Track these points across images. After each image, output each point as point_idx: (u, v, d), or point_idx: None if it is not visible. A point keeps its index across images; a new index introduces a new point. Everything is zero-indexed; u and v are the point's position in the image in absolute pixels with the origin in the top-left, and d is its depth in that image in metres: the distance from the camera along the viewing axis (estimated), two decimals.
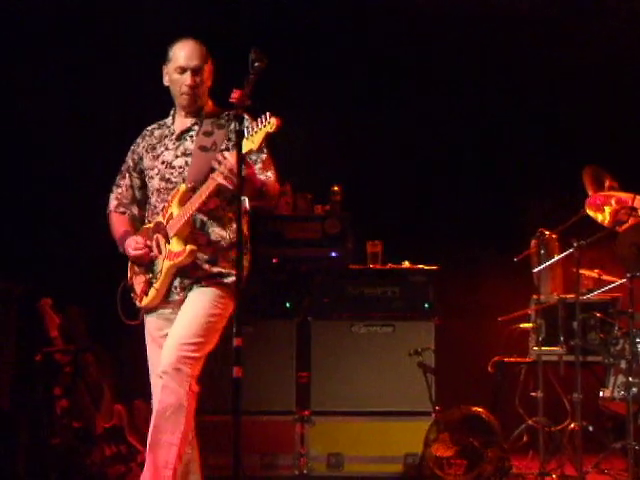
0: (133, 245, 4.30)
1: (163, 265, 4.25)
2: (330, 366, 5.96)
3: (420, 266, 6.16)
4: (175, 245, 4.22)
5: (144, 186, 4.47)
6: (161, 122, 4.50)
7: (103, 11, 6.60)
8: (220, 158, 4.05)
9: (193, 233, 4.24)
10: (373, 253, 6.25)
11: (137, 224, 4.47)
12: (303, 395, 5.96)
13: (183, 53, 4.33)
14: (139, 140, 4.51)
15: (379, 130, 6.86)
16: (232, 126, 4.22)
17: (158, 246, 4.28)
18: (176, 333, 4.20)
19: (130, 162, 4.50)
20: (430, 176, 6.94)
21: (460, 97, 6.87)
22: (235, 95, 3.88)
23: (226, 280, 4.26)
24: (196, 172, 4.24)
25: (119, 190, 4.52)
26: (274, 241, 6.18)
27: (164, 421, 4.12)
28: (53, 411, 5.43)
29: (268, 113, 3.99)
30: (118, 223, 4.47)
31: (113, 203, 4.52)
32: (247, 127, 4.02)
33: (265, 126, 3.98)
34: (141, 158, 4.46)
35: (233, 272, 4.19)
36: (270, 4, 6.70)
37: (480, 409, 5.54)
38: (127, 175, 4.50)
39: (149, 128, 4.52)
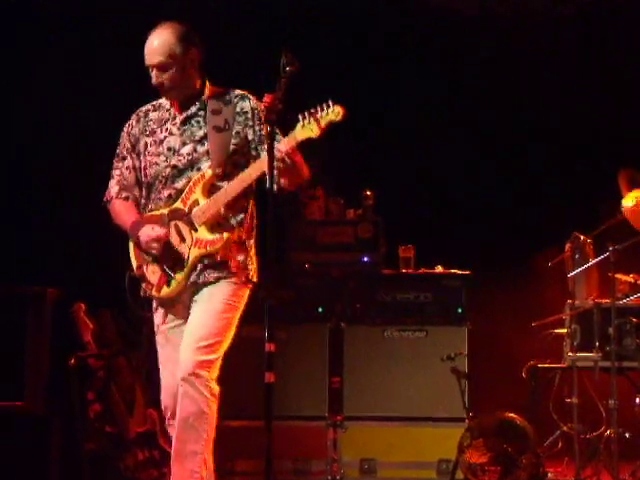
0: (153, 235, 4.12)
1: (190, 253, 4.11)
2: (363, 371, 5.94)
3: (453, 271, 6.13)
4: (205, 233, 4.09)
5: (141, 167, 4.29)
6: (155, 103, 4.33)
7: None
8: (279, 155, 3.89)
9: (220, 219, 4.13)
10: (405, 258, 6.22)
11: (139, 208, 4.31)
12: (336, 400, 5.94)
13: (146, 49, 4.15)
14: (132, 122, 4.32)
15: (411, 134, 6.83)
16: (238, 106, 4.15)
17: (179, 234, 4.15)
18: (191, 336, 4.09)
19: (128, 144, 4.31)
20: (463, 180, 6.90)
21: (491, 100, 6.82)
22: (267, 99, 3.82)
23: (241, 269, 4.17)
24: (219, 155, 4.12)
25: (118, 173, 4.32)
26: (306, 246, 6.17)
27: (187, 430, 4.05)
28: (86, 416, 5.45)
29: (331, 101, 3.86)
30: (125, 210, 4.28)
31: (114, 189, 4.32)
32: (304, 113, 3.87)
33: (329, 114, 3.84)
34: (138, 140, 4.28)
35: (244, 256, 4.17)
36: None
37: (514, 415, 5.49)
38: (128, 157, 4.30)
39: (142, 109, 4.33)
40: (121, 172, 4.32)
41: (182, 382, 4.05)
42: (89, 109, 6.46)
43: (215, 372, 4.12)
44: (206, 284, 4.16)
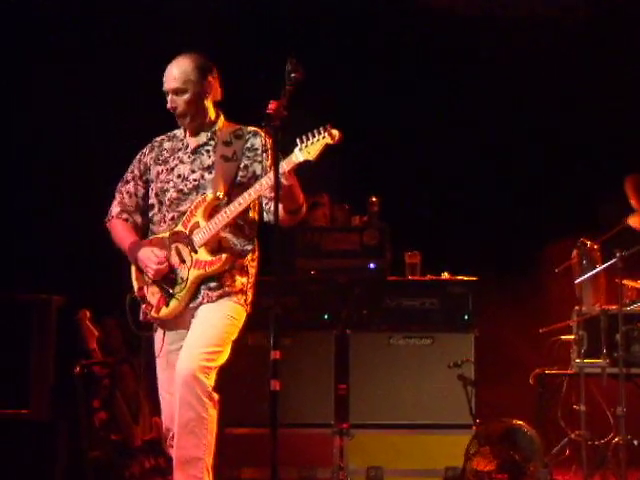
0: (153, 259, 4.19)
1: (190, 274, 4.17)
2: (369, 378, 5.92)
3: (459, 277, 6.12)
4: (204, 254, 4.16)
5: (147, 196, 4.40)
6: (170, 134, 4.46)
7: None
8: (266, 179, 4.04)
9: (220, 243, 4.20)
10: (412, 264, 6.21)
11: (140, 233, 4.39)
12: (342, 408, 5.92)
13: (166, 75, 4.29)
14: (146, 150, 4.45)
15: (416, 140, 6.82)
16: (249, 142, 4.26)
17: (180, 255, 4.21)
18: (192, 342, 4.13)
19: (136, 171, 4.42)
20: (469, 186, 6.89)
21: (495, 103, 6.81)
22: (272, 106, 3.85)
23: (241, 293, 4.23)
24: (221, 182, 4.20)
25: (120, 196, 4.42)
26: (312, 253, 6.16)
27: (187, 436, 4.06)
28: (92, 424, 5.43)
29: (329, 124, 3.95)
30: (123, 230, 4.37)
31: (116, 210, 4.42)
32: (302, 137, 3.96)
33: (325, 137, 3.93)
34: (148, 168, 4.40)
35: (245, 281, 4.23)
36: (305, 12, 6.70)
37: (521, 422, 5.47)
38: (132, 183, 4.41)
39: (157, 139, 4.46)
40: (122, 196, 4.42)
41: (181, 387, 4.06)
42: (99, 119, 6.46)
43: (212, 380, 4.13)
44: (206, 304, 4.21)
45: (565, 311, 5.73)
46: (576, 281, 5.61)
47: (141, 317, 4.33)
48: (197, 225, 4.19)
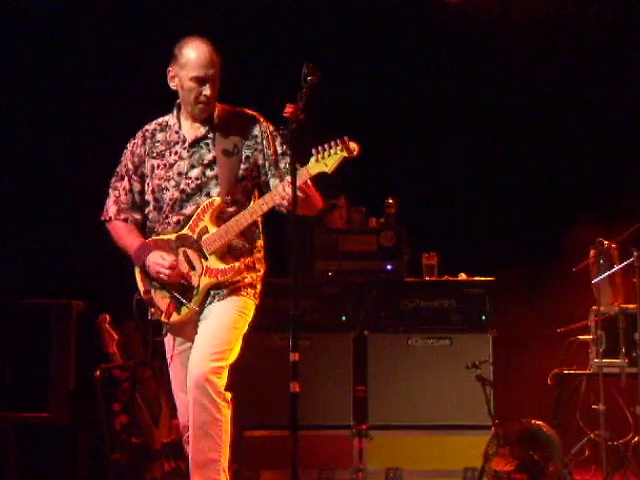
0: (165, 264, 4.10)
1: (200, 281, 4.13)
2: (387, 380, 5.92)
3: (476, 278, 6.11)
4: (215, 262, 4.11)
5: (144, 190, 4.28)
6: (161, 122, 4.29)
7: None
8: (282, 192, 3.94)
9: (229, 247, 4.15)
10: (429, 265, 6.21)
11: (140, 230, 4.30)
12: (360, 409, 5.93)
13: (198, 60, 4.07)
14: (138, 141, 4.28)
15: (433, 141, 6.82)
16: (248, 130, 4.15)
17: (188, 261, 4.16)
18: (202, 344, 4.09)
19: (130, 164, 4.28)
20: (485, 186, 6.88)
21: (514, 106, 6.80)
22: (289, 109, 3.84)
23: (250, 287, 4.21)
24: (227, 181, 4.12)
25: (116, 193, 4.30)
26: (329, 254, 6.17)
27: (203, 438, 4.04)
28: (113, 427, 5.46)
29: (346, 137, 3.87)
30: (126, 233, 4.27)
31: (112, 209, 4.30)
32: (317, 147, 3.89)
33: (342, 150, 3.85)
34: (143, 161, 4.26)
35: (254, 276, 4.20)
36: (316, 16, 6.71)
37: (540, 422, 5.46)
38: (126, 178, 4.28)
39: (148, 129, 4.29)
40: (118, 192, 4.30)
41: (194, 389, 4.03)
42: (119, 120, 6.47)
43: (224, 379, 4.10)
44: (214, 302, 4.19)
45: (583, 311, 5.73)
46: (593, 281, 5.60)
47: (149, 316, 4.28)
48: (205, 230, 4.12)
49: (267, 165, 4.18)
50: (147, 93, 5.80)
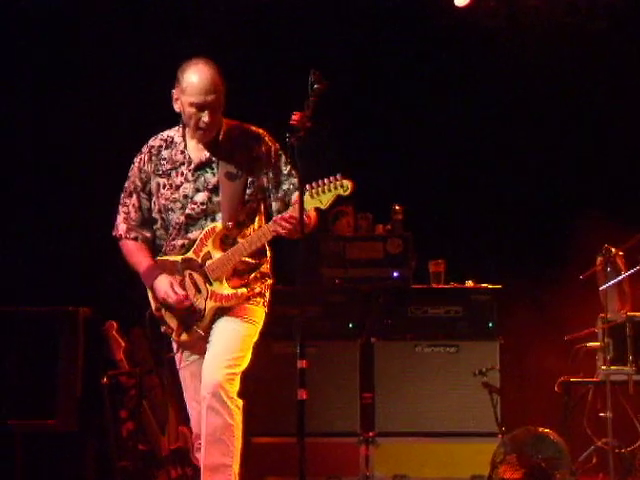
0: (171, 295, 4.11)
1: (206, 305, 4.14)
2: (394, 387, 5.92)
3: (483, 285, 6.11)
4: (220, 287, 4.11)
5: (152, 208, 4.25)
6: (165, 137, 4.24)
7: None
8: (283, 223, 3.98)
9: (234, 270, 4.15)
10: (436, 272, 6.21)
11: (150, 247, 4.28)
12: (367, 416, 5.93)
13: (197, 86, 4.03)
14: (145, 157, 4.24)
15: (440, 148, 6.82)
16: (253, 151, 4.14)
17: (195, 285, 4.16)
18: (215, 352, 4.11)
19: (138, 182, 4.25)
20: (492, 193, 6.87)
21: (517, 116, 6.79)
22: (295, 117, 3.84)
23: (259, 296, 4.22)
24: (230, 206, 4.12)
25: (125, 210, 4.27)
26: (336, 262, 6.18)
27: (215, 444, 4.04)
28: (119, 434, 5.47)
29: (339, 175, 3.92)
30: (137, 251, 4.25)
31: (122, 227, 4.28)
32: (312, 183, 3.92)
33: (337, 188, 3.90)
34: (149, 179, 4.23)
35: (263, 286, 4.22)
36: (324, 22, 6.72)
37: (547, 430, 5.45)
38: (134, 195, 4.25)
39: (154, 145, 4.24)
40: (128, 210, 4.28)
41: (207, 395, 4.04)
42: (127, 131, 6.50)
43: (237, 385, 4.11)
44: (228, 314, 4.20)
45: (590, 318, 5.72)
46: (601, 288, 5.59)
47: (162, 329, 4.30)
48: (209, 255, 4.12)
49: (270, 187, 4.19)
50: (148, 101, 5.88)
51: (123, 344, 5.63)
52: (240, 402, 4.11)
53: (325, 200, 3.94)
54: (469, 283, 6.16)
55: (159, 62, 6.07)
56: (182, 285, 4.16)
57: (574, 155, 6.73)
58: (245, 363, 4.15)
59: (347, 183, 3.92)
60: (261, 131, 4.23)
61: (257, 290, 4.22)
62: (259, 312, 4.23)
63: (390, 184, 6.74)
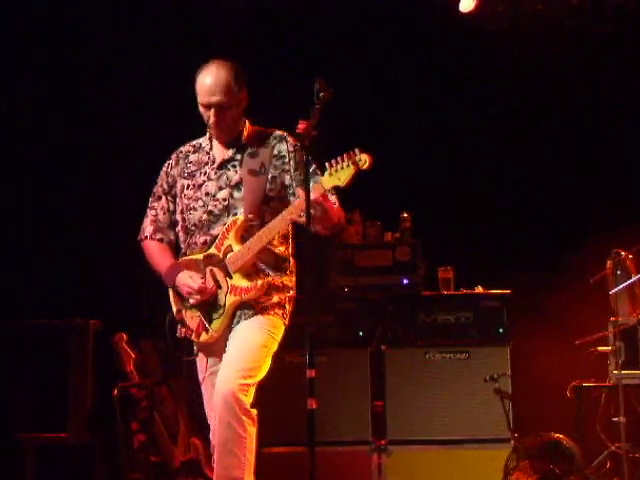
0: (194, 285, 4.15)
1: (226, 300, 4.16)
2: (405, 394, 5.91)
3: (493, 291, 6.10)
4: (240, 280, 4.13)
5: (175, 209, 4.34)
6: (194, 143, 4.36)
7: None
8: (301, 206, 3.95)
9: (254, 265, 4.18)
10: (445, 279, 6.20)
11: (174, 250, 4.35)
12: (379, 424, 5.91)
13: (204, 88, 4.13)
14: (172, 162, 4.36)
15: (447, 154, 6.81)
16: (275, 149, 4.19)
17: (215, 280, 4.19)
18: (231, 361, 4.10)
19: (165, 185, 4.35)
20: (500, 198, 6.86)
21: (525, 121, 6.78)
22: (301, 126, 3.85)
23: (278, 307, 4.22)
24: (252, 200, 4.15)
25: (153, 213, 4.36)
26: (345, 270, 6.17)
27: (227, 456, 4.03)
28: (131, 446, 5.46)
29: (357, 149, 3.90)
30: (159, 253, 4.32)
31: (149, 229, 4.36)
32: (330, 161, 3.92)
33: (355, 163, 3.87)
34: (175, 182, 4.32)
35: (282, 296, 4.21)
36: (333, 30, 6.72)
37: (560, 435, 5.43)
38: (163, 198, 4.34)
39: (182, 150, 4.37)
40: (156, 213, 4.35)
41: (219, 407, 4.03)
42: (143, 139, 6.52)
43: (251, 397, 4.10)
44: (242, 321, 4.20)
45: (601, 322, 5.70)
46: (611, 292, 5.57)
47: (179, 334, 4.30)
48: (230, 249, 4.15)
49: (294, 185, 4.20)
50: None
51: (133, 356, 5.63)
52: (254, 413, 4.09)
53: (343, 177, 3.91)
54: (478, 289, 6.15)
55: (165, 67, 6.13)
56: (206, 287, 4.17)
57: (582, 159, 6.72)
58: (261, 374, 4.14)
59: (365, 157, 3.89)
60: (285, 133, 4.27)
61: (275, 300, 4.21)
62: (278, 324, 4.22)
63: (398, 192, 6.73)
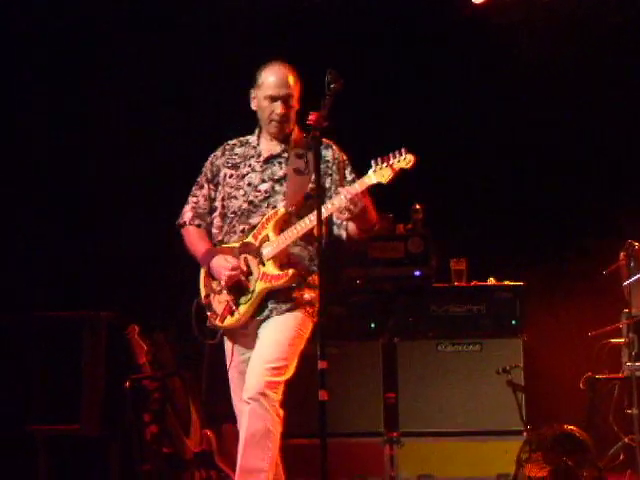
0: (227, 265, 4.24)
1: (256, 286, 4.21)
2: (417, 386, 5.91)
3: (506, 282, 6.09)
4: (271, 268, 4.19)
5: (216, 197, 4.45)
6: (242, 139, 4.48)
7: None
8: (340, 201, 4.06)
9: (288, 256, 4.25)
10: (457, 270, 6.19)
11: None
12: (391, 416, 5.91)
13: (273, 81, 4.31)
14: (218, 153, 4.48)
15: (458, 146, 6.79)
16: (322, 153, 4.28)
17: (247, 266, 4.25)
18: (261, 357, 4.17)
19: (208, 173, 4.46)
20: (513, 189, 6.84)
21: (536, 113, 6.75)
22: (312, 117, 3.91)
23: (307, 303, 4.25)
24: (293, 195, 4.25)
25: (195, 200, 4.46)
26: (357, 262, 6.16)
27: (253, 447, 4.11)
28: (143, 437, 5.48)
29: (403, 149, 4.02)
30: (197, 237, 4.42)
31: (188, 215, 4.46)
32: (376, 159, 4.03)
33: (399, 161, 4.00)
34: (219, 171, 4.43)
35: (313, 294, 4.24)
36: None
37: (573, 427, 5.41)
38: (206, 186, 4.45)
39: (230, 143, 4.48)
40: (197, 200, 4.46)
41: (250, 400, 4.11)
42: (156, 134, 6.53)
43: (280, 393, 4.18)
44: (274, 317, 4.24)
45: (614, 314, 5.67)
46: (624, 283, 5.55)
47: (208, 323, 4.36)
48: (267, 238, 4.22)
49: (333, 189, 4.30)
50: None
51: (145, 347, 5.64)
52: (281, 412, 4.18)
53: (387, 174, 4.02)
54: (491, 280, 6.14)
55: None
56: (239, 267, 4.24)
57: (594, 150, 6.69)
58: (289, 372, 4.21)
59: (409, 156, 4.02)
60: (331, 141, 4.38)
61: (307, 297, 4.27)
62: (307, 322, 4.28)
63: (410, 183, 6.70)
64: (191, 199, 4.48)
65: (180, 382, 5.71)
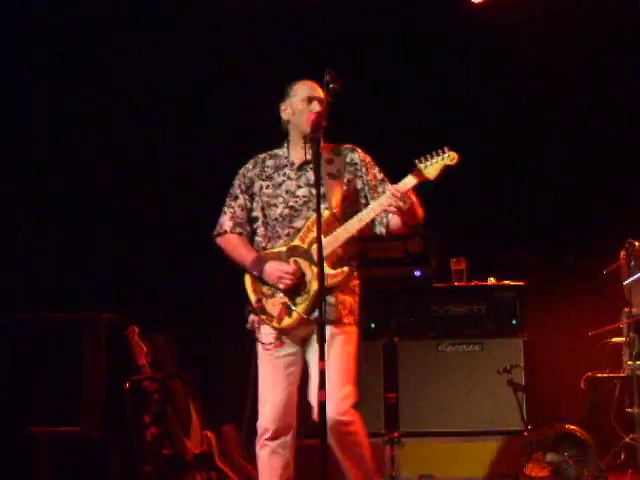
0: (283, 269, 4.30)
1: (311, 287, 4.28)
2: (418, 386, 5.90)
3: (506, 282, 6.08)
4: (325, 268, 4.21)
5: (253, 208, 4.53)
6: (271, 153, 4.56)
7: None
8: (394, 192, 4.18)
9: (339, 256, 4.32)
10: (457, 270, 6.19)
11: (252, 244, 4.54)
12: (392, 416, 5.91)
13: (309, 85, 4.43)
14: (249, 166, 4.56)
15: (459, 145, 6.77)
16: (348, 157, 4.41)
17: (299, 268, 4.32)
18: (339, 383, 4.27)
19: (242, 185, 4.54)
20: (513, 189, 6.84)
21: (539, 113, 6.75)
22: (312, 117, 3.94)
23: (355, 316, 4.41)
24: (334, 197, 4.34)
25: (232, 210, 4.54)
26: (357, 262, 6.14)
27: (358, 459, 4.38)
28: (143, 439, 5.47)
29: (447, 147, 4.16)
30: (241, 245, 4.50)
31: (228, 224, 4.54)
32: (421, 158, 4.18)
33: (444, 159, 4.16)
34: (253, 183, 4.51)
35: (355, 305, 4.41)
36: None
37: (574, 427, 5.41)
38: (241, 197, 4.53)
39: (260, 156, 4.57)
40: (234, 210, 4.54)
41: (341, 427, 4.28)
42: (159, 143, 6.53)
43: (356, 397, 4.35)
44: (328, 323, 4.24)
45: (614, 313, 5.67)
46: (624, 282, 5.55)
47: (248, 326, 4.42)
48: (315, 240, 4.22)
49: (366, 189, 4.43)
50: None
51: (145, 349, 5.64)
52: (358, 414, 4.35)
53: (433, 171, 4.18)
54: (491, 280, 6.14)
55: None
56: (298, 270, 4.32)
57: (594, 150, 6.68)
58: (356, 388, 4.37)
59: (453, 154, 4.18)
60: (355, 146, 4.50)
61: (348, 306, 4.39)
62: (356, 335, 4.43)
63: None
64: (227, 210, 4.55)
65: (180, 383, 5.71)
